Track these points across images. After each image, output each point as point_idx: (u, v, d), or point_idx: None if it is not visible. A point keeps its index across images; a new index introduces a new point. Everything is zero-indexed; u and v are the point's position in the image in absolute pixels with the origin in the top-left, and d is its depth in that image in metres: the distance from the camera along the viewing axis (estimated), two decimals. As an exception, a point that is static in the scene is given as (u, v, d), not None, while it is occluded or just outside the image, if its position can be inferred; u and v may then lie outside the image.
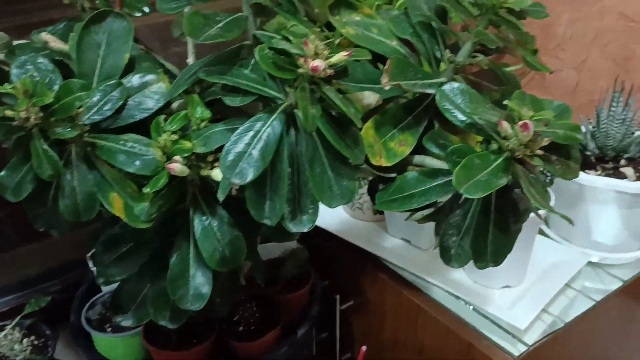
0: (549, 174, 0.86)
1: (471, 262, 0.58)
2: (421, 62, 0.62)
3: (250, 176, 0.50)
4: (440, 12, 0.61)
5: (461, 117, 0.50)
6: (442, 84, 0.57)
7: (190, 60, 0.64)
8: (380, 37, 0.61)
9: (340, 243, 1.02)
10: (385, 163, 0.56)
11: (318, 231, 1.04)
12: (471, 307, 0.86)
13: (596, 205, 0.88)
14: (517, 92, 0.52)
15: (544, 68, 0.57)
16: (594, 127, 0.93)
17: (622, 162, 0.91)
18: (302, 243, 1.05)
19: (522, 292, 0.87)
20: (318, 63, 0.47)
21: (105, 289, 0.98)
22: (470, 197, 0.45)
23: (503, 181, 0.46)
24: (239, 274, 0.80)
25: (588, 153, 0.93)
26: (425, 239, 0.98)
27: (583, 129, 0.97)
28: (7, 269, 1.15)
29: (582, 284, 0.92)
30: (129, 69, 0.61)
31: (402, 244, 1.01)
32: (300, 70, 0.49)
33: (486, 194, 0.45)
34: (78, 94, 0.52)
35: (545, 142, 0.47)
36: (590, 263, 0.94)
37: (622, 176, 0.88)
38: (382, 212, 1.06)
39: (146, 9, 0.77)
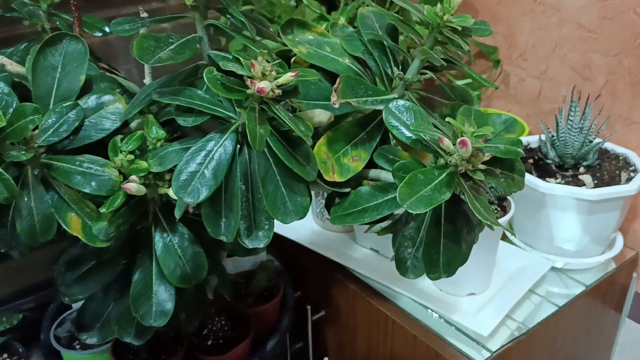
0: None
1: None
2: (375, 80, 0.63)
3: (203, 195, 0.51)
4: (390, 30, 0.63)
5: (407, 133, 0.52)
6: (393, 100, 0.59)
7: (147, 80, 0.65)
8: (332, 55, 0.62)
9: (310, 254, 1.03)
10: (338, 179, 0.57)
11: (288, 242, 1.05)
12: (437, 316, 0.87)
13: (557, 212, 0.90)
14: (463, 108, 0.54)
15: (488, 83, 0.59)
16: (553, 136, 0.95)
17: (581, 169, 0.93)
18: (272, 255, 1.06)
19: (487, 299, 0.89)
20: (264, 85, 0.48)
21: (75, 306, 0.98)
22: (413, 212, 0.46)
23: (446, 196, 0.47)
24: (205, 289, 0.81)
25: (548, 161, 0.95)
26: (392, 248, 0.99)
27: (543, 137, 0.99)
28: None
29: (546, 289, 0.94)
30: (86, 90, 0.62)
31: (371, 254, 1.02)
32: (249, 91, 0.50)
33: (428, 209, 0.46)
34: (31, 117, 0.53)
35: (487, 157, 0.49)
36: (553, 268, 0.96)
37: (581, 184, 0.90)
38: (351, 223, 1.07)
39: (107, 29, 0.78)
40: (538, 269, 0.93)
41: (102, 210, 0.56)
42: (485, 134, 0.48)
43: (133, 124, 0.63)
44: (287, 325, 0.95)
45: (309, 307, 1.03)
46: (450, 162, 0.49)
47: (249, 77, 0.50)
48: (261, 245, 0.57)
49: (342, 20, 1.06)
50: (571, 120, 0.92)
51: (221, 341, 0.87)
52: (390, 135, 0.63)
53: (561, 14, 1.03)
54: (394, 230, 0.65)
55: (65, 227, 0.58)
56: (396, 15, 0.62)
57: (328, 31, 0.65)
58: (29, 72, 0.61)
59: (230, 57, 0.58)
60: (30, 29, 0.98)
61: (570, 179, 0.92)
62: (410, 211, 0.46)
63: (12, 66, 0.62)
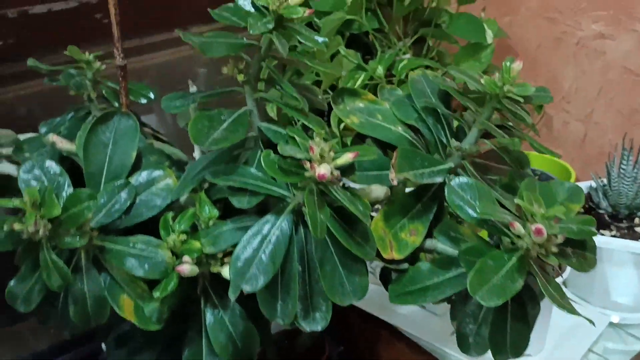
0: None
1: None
2: (428, 147, 0.61)
3: (261, 282, 0.50)
4: (443, 95, 0.61)
5: (472, 213, 0.50)
6: (449, 169, 0.57)
7: (197, 154, 0.64)
8: (385, 123, 0.61)
9: (353, 310, 1.01)
10: (397, 256, 0.55)
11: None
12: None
13: (613, 266, 0.87)
14: (527, 182, 0.52)
15: (550, 152, 0.57)
16: (604, 185, 0.92)
17: (636, 220, 0.90)
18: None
19: None
20: (324, 171, 0.46)
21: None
22: (486, 304, 0.44)
23: (519, 284, 0.45)
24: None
25: (601, 211, 0.92)
26: (440, 304, 0.96)
27: (594, 184, 0.96)
28: (16, 343, 1.14)
29: (603, 345, 0.90)
30: (136, 164, 0.61)
31: (417, 310, 0.99)
32: (307, 174, 0.49)
33: (502, 301, 0.44)
34: (86, 204, 0.52)
35: (560, 239, 0.46)
36: (610, 323, 0.92)
37: (637, 236, 0.87)
38: (395, 276, 1.04)
39: (151, 95, 0.77)
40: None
41: (156, 294, 0.55)
42: (557, 215, 0.46)
43: (183, 199, 0.62)
44: (333, 386, 0.92)
45: (353, 365, 1.00)
46: (520, 245, 0.47)
47: (308, 160, 0.48)
48: (319, 328, 0.55)
49: (380, 70, 1.05)
50: (623, 169, 0.89)
51: (268, 408, 0.84)
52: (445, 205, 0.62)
53: (606, 57, 1.01)
54: (453, 301, 0.62)
55: (118, 311, 0.57)
56: (448, 81, 0.61)
57: (377, 97, 0.64)
58: (80, 149, 0.61)
59: (282, 131, 0.57)
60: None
61: (625, 231, 0.88)
62: (484, 304, 0.44)
63: (62, 144, 0.62)
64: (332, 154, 0.49)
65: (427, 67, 1.11)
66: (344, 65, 1.08)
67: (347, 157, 0.49)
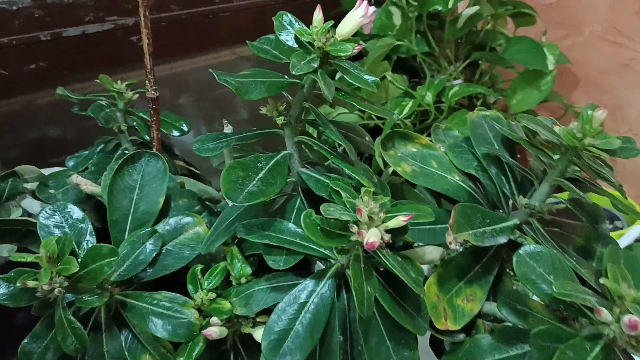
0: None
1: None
2: (487, 198, 0.54)
3: (296, 359, 0.43)
4: (507, 142, 0.54)
5: (546, 289, 0.42)
6: (514, 226, 0.50)
7: (230, 201, 0.58)
8: (440, 171, 0.54)
9: None
10: (452, 326, 0.48)
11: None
12: None
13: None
14: (610, 251, 0.44)
15: (636, 214, 0.49)
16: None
17: None
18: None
19: None
20: (374, 239, 0.40)
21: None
22: (565, 408, 0.36)
23: (604, 382, 0.38)
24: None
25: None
26: None
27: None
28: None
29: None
30: (164, 208, 0.56)
31: None
32: (353, 238, 0.43)
33: (586, 404, 0.37)
34: (107, 260, 0.47)
35: (654, 329, 0.39)
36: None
37: None
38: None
39: (185, 128, 0.73)
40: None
41: (180, 359, 0.49)
42: (652, 300, 0.38)
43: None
44: None
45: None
46: (605, 332, 0.39)
47: (355, 223, 0.42)
48: (362, 407, 0.49)
49: (429, 97, 0.98)
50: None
51: None
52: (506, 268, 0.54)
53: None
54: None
55: (138, 376, 0.51)
56: (513, 125, 0.54)
57: (431, 140, 0.57)
58: (105, 192, 0.56)
59: (326, 180, 0.51)
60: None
61: None
62: (562, 407, 0.36)
63: (87, 186, 0.58)
64: (382, 215, 0.43)
65: (479, 95, 1.04)
66: (389, 91, 1.02)
67: (399, 220, 0.42)
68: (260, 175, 0.49)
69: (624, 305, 0.38)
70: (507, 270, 0.53)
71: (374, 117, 1.03)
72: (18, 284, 0.47)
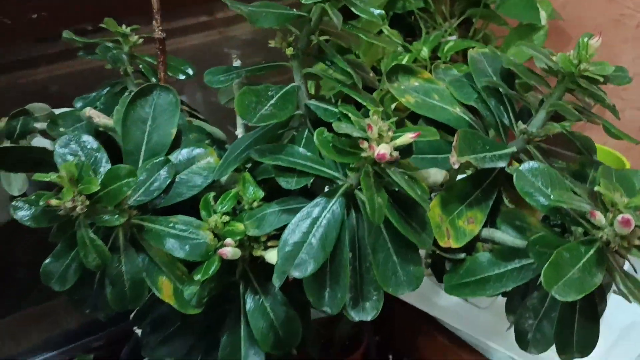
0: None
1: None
2: (486, 130, 0.57)
3: (310, 269, 0.46)
4: (506, 75, 0.57)
5: (543, 201, 0.45)
6: (512, 154, 0.53)
7: (239, 132, 0.61)
8: (442, 103, 0.56)
9: (392, 298, 0.97)
10: (454, 245, 0.51)
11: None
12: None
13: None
14: (602, 169, 0.47)
15: (628, 137, 0.52)
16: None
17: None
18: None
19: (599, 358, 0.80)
20: (384, 150, 0.42)
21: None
22: (562, 299, 0.39)
23: (598, 279, 0.41)
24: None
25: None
26: (483, 297, 0.91)
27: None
28: (46, 323, 1.14)
29: (659, 347, 0.84)
30: (176, 142, 0.58)
31: (459, 302, 0.95)
32: (364, 154, 0.45)
33: (580, 296, 0.40)
34: (126, 180, 0.49)
35: (644, 232, 0.42)
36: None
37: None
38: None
39: (190, 71, 0.74)
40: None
41: (197, 277, 0.52)
42: (641, 205, 0.41)
43: (223, 179, 0.59)
44: (370, 378, 0.89)
45: (390, 357, 0.97)
46: (600, 237, 0.42)
47: (365, 139, 0.45)
48: (369, 318, 0.52)
49: (425, 52, 1.01)
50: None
51: (304, 398, 0.82)
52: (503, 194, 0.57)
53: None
54: (510, 294, 0.58)
55: (156, 293, 0.54)
56: (511, 59, 0.56)
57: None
58: (118, 125, 0.58)
59: (334, 109, 0.53)
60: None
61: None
62: (560, 299, 0.39)
63: (100, 119, 0.60)
64: (390, 133, 0.45)
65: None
66: (387, 47, 1.04)
67: (407, 138, 0.45)
68: (272, 101, 0.51)
69: (617, 211, 0.41)
70: (504, 200, 0.56)
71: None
72: (41, 203, 0.49)
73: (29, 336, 1.12)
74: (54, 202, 0.48)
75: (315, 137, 0.45)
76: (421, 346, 0.94)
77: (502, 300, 0.93)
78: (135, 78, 0.74)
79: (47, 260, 0.53)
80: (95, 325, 1.17)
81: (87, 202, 0.49)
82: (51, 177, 0.48)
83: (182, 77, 0.73)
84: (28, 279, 1.07)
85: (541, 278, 0.40)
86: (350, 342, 0.91)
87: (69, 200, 0.48)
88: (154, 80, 0.71)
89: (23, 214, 0.51)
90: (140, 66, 0.72)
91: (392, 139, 0.45)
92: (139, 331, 0.94)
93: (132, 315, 0.97)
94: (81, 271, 0.53)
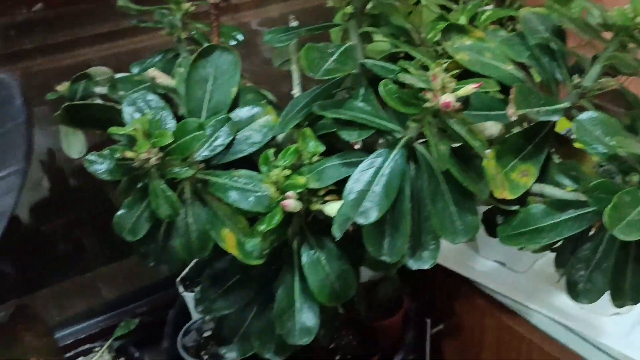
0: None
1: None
2: (536, 87, 0.58)
3: (374, 216, 0.48)
4: (557, 32, 0.58)
5: (601, 149, 0.47)
6: (566, 109, 0.54)
7: (296, 91, 0.63)
8: (494, 61, 0.58)
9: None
10: (508, 196, 0.53)
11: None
12: (580, 337, 0.81)
13: None
14: (658, 119, 0.49)
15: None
16: None
17: None
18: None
19: (637, 318, 0.82)
20: (450, 99, 0.44)
21: (195, 315, 0.98)
22: (624, 239, 0.41)
23: (656, 221, 0.42)
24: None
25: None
26: (521, 261, 0.93)
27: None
28: (90, 291, 1.18)
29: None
30: (235, 101, 0.61)
31: (496, 267, 0.96)
32: (427, 105, 0.47)
33: (641, 236, 0.41)
34: (195, 134, 0.52)
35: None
36: None
37: None
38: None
39: (240, 37, 0.76)
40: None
41: (261, 228, 0.54)
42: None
43: (280, 137, 0.61)
44: (411, 340, 0.91)
45: (428, 321, 0.99)
46: (658, 181, 0.44)
47: (429, 90, 0.46)
48: (426, 267, 0.54)
49: (462, 21, 1.01)
50: None
51: (349, 356, 0.85)
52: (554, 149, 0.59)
53: None
54: (560, 248, 0.60)
55: (220, 244, 0.56)
56: (565, 15, 0.57)
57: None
58: (180, 84, 0.60)
59: (391, 66, 0.55)
60: (149, 42, 1.00)
61: None
62: (622, 238, 0.41)
63: (162, 79, 0.62)
64: (452, 85, 0.47)
65: (511, 18, 1.07)
66: (424, 16, 1.05)
67: (469, 88, 0.47)
68: (333, 57, 0.53)
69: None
70: (553, 159, 0.58)
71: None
72: (117, 155, 0.52)
73: (73, 304, 1.16)
74: (129, 154, 0.51)
75: (380, 89, 0.47)
76: (459, 310, 0.96)
77: (539, 265, 0.95)
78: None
79: (120, 212, 0.56)
80: (138, 293, 1.21)
81: (160, 154, 0.51)
82: (127, 130, 0.51)
83: (232, 42, 0.75)
84: (71, 250, 1.11)
85: (604, 220, 0.42)
86: (391, 306, 0.94)
87: (144, 152, 0.50)
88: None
89: (97, 167, 0.53)
90: (193, 32, 0.75)
91: (454, 90, 0.47)
92: (185, 294, 0.97)
93: (178, 279, 1.01)
94: (151, 222, 0.55)
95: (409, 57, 0.60)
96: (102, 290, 1.19)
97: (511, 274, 0.94)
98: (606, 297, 0.81)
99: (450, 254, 1.00)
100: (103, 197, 1.10)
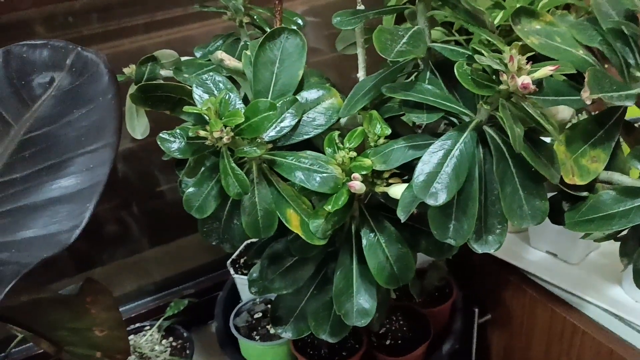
0: None
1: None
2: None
3: (444, 198, 0.49)
4: (630, 18, 0.57)
5: (681, 134, 0.46)
6: (638, 95, 0.54)
7: (361, 75, 0.63)
8: (564, 45, 0.57)
9: (478, 253, 0.99)
10: (578, 181, 0.53)
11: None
12: (635, 329, 0.80)
13: None
14: None
15: None
16: None
17: None
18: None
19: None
20: (528, 80, 0.44)
21: (245, 297, 1.00)
22: None
23: None
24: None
25: None
26: (575, 253, 0.92)
27: None
28: (139, 273, 1.21)
29: None
30: (300, 86, 0.61)
31: (548, 258, 0.95)
32: (502, 87, 0.47)
33: None
34: (266, 114, 0.53)
35: None
36: None
37: None
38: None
39: (300, 22, 0.77)
40: None
41: (328, 208, 0.55)
42: None
43: (343, 120, 0.62)
44: (459, 328, 0.91)
45: (476, 310, 0.99)
46: None
47: (505, 72, 0.46)
48: (492, 250, 0.54)
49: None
50: None
51: (399, 342, 0.85)
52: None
53: None
54: (625, 237, 0.59)
55: (285, 223, 0.57)
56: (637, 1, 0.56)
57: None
58: (247, 67, 0.61)
59: (461, 49, 0.55)
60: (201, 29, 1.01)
61: None
62: None
63: (230, 61, 0.63)
64: (528, 67, 0.47)
65: (569, 5, 1.05)
66: (480, 2, 1.03)
67: (546, 70, 0.46)
68: (404, 40, 0.53)
69: None
70: (621, 146, 0.57)
71: (456, 34, 1.05)
72: (191, 133, 0.53)
73: (123, 284, 1.19)
74: (202, 132, 0.52)
75: (455, 70, 0.47)
76: (508, 300, 0.95)
77: (592, 257, 0.93)
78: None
79: (190, 190, 0.57)
80: (185, 276, 1.24)
81: (231, 134, 0.53)
82: (201, 109, 0.52)
83: (293, 27, 0.76)
84: (120, 232, 1.14)
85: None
86: (440, 294, 0.94)
87: (217, 130, 0.51)
88: (267, 30, 0.74)
89: (170, 145, 0.55)
90: (255, 17, 0.76)
91: (529, 72, 0.47)
92: (235, 276, 0.99)
93: (229, 262, 1.03)
94: (219, 200, 0.57)
95: (457, 43, 0.60)
96: (151, 271, 1.22)
97: (564, 265, 0.93)
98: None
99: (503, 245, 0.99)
100: (149, 183, 1.13)
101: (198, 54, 0.74)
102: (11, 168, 0.38)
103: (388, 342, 0.85)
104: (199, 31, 1.01)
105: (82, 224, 0.37)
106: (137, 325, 1.08)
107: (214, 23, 1.00)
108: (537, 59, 0.58)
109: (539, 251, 0.97)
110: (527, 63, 0.47)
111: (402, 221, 0.53)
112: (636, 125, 0.64)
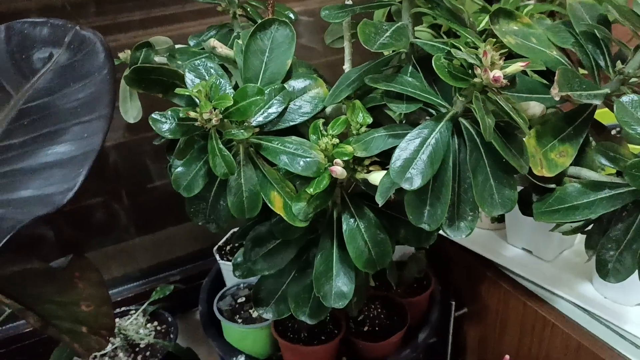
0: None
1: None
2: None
3: (418, 182, 0.51)
4: (603, 22, 0.60)
5: (640, 130, 0.49)
6: (607, 95, 0.57)
7: (347, 67, 0.66)
8: (539, 46, 0.60)
9: (457, 248, 1.02)
10: (546, 174, 0.56)
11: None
12: (603, 324, 0.84)
13: None
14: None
15: None
16: None
17: None
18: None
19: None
20: (500, 74, 0.47)
21: (229, 282, 1.02)
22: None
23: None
24: (369, 275, 0.82)
25: None
26: (549, 250, 0.96)
27: None
28: (126, 259, 1.23)
29: None
30: (289, 73, 0.64)
31: (523, 254, 0.99)
32: (475, 80, 0.50)
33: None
34: (254, 98, 0.55)
35: None
36: None
37: None
38: (501, 221, 1.05)
39: (292, 16, 0.80)
40: None
41: (309, 190, 0.57)
42: None
43: (329, 110, 0.65)
44: (435, 320, 0.94)
45: (453, 303, 1.02)
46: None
47: (479, 66, 0.49)
48: (463, 236, 0.57)
49: (505, 13, 1.03)
50: None
51: (377, 328, 0.88)
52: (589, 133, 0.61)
53: None
54: (590, 232, 0.62)
55: (269, 205, 0.60)
56: (610, 8, 0.60)
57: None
58: (239, 55, 0.64)
59: (441, 45, 0.58)
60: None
61: None
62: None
63: (222, 49, 0.66)
64: (501, 62, 0.50)
65: (553, 12, 1.08)
66: (466, 7, 1.07)
67: (517, 66, 0.49)
68: (387, 33, 0.56)
69: None
70: (590, 142, 0.60)
71: (444, 36, 1.09)
72: (181, 114, 0.55)
73: (110, 270, 1.22)
74: (192, 114, 0.55)
75: (433, 63, 0.50)
76: (484, 294, 0.98)
77: (565, 255, 0.97)
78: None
79: (179, 170, 0.59)
80: (173, 263, 1.27)
81: (220, 116, 0.55)
82: (192, 91, 0.55)
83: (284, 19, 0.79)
84: (107, 219, 1.16)
85: None
86: (418, 286, 0.97)
87: (206, 111, 0.54)
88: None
89: (161, 126, 0.57)
90: (249, 9, 0.78)
91: (502, 67, 0.50)
92: (221, 262, 1.02)
93: (215, 249, 1.05)
94: (206, 180, 0.59)
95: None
96: (138, 258, 1.25)
97: (538, 261, 0.96)
98: (630, 289, 0.83)
99: (478, 239, 1.03)
100: (137, 173, 1.16)
101: (192, 43, 0.77)
102: (10, 134, 0.40)
103: (366, 328, 0.88)
104: (197, 29, 1.04)
105: (75, 187, 0.39)
106: (123, 309, 1.10)
107: (211, 22, 1.03)
108: (513, 58, 0.62)
109: (515, 248, 1.00)
110: (501, 59, 0.50)
111: (380, 205, 0.56)
112: (613, 132, 0.68)
